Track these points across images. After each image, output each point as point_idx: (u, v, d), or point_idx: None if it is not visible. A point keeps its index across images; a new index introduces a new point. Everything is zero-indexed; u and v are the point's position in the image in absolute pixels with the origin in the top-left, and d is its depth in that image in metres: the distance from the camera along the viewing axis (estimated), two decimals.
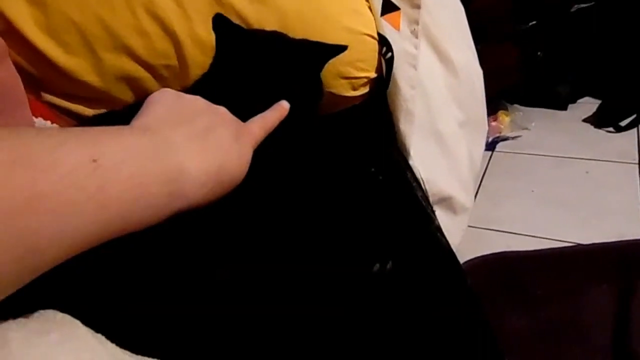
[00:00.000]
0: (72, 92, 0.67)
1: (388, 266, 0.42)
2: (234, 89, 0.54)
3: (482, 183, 1.31)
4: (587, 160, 1.34)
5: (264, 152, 0.44)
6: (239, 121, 0.43)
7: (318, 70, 0.59)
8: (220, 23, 0.57)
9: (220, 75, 0.59)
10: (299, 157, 0.49)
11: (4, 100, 0.52)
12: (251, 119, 0.45)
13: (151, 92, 0.68)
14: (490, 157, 1.44)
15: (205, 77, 0.60)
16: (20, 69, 0.61)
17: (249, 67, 0.56)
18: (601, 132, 1.47)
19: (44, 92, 0.67)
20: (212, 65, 0.60)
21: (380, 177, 0.56)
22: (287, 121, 0.47)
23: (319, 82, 0.59)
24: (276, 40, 0.60)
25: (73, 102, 0.68)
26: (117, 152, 0.29)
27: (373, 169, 0.57)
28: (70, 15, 0.62)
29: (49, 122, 0.63)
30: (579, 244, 1.01)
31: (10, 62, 0.56)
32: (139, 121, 0.37)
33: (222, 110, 0.42)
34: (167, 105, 0.40)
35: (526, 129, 1.54)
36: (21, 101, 0.55)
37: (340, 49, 0.59)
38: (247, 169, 0.40)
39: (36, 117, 0.61)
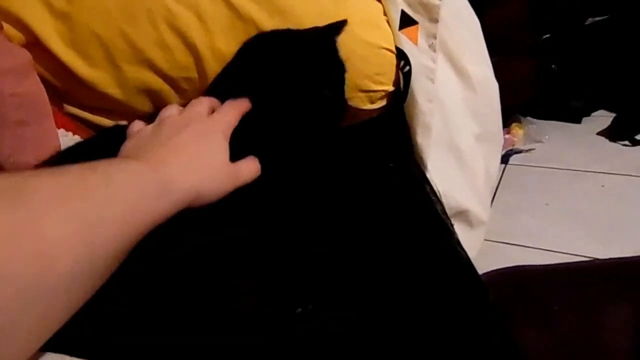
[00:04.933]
0: (94, 103, 0.68)
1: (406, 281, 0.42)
2: (253, 86, 0.55)
3: (496, 196, 1.30)
4: (602, 174, 1.33)
5: (285, 158, 0.44)
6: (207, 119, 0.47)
7: (334, 51, 0.59)
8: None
9: (239, 73, 0.60)
10: (319, 167, 0.49)
11: (30, 112, 0.53)
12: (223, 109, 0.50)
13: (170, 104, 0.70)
14: (504, 170, 1.43)
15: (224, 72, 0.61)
16: (44, 81, 0.62)
17: (263, 63, 0.57)
18: (616, 146, 1.46)
19: (66, 103, 0.68)
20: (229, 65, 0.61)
21: (398, 189, 0.56)
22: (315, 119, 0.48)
23: (339, 63, 0.60)
24: (282, 35, 0.61)
25: (94, 114, 0.69)
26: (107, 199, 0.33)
27: (390, 181, 0.57)
28: (94, 28, 0.64)
29: (70, 134, 0.64)
30: (595, 259, 1.00)
31: (36, 75, 0.58)
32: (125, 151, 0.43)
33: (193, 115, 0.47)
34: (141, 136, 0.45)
35: (540, 142, 1.53)
36: (46, 113, 0.56)
37: (341, 23, 0.61)
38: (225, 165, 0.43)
39: (58, 128, 0.62)
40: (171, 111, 0.50)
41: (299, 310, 0.35)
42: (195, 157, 0.42)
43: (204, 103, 0.51)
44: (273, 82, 0.53)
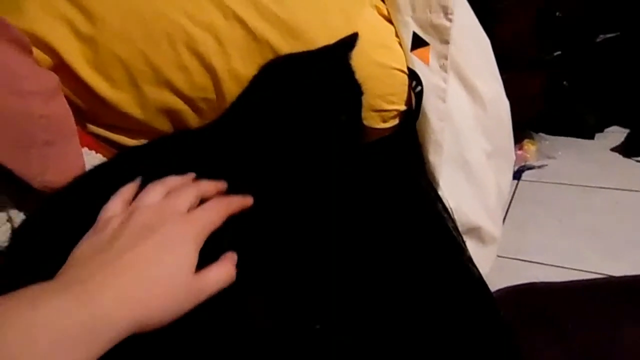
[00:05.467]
0: (115, 123, 0.70)
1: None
2: (270, 111, 0.56)
3: (508, 212, 1.30)
4: (616, 190, 1.32)
5: (303, 177, 0.45)
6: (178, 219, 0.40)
7: (350, 73, 0.61)
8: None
9: (256, 98, 0.61)
10: (335, 186, 0.51)
11: (58, 133, 0.55)
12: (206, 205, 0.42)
13: (189, 124, 0.72)
14: (516, 186, 1.43)
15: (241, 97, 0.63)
16: (68, 102, 0.65)
17: (279, 85, 0.58)
18: (630, 162, 1.45)
19: (89, 123, 0.71)
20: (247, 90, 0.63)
21: (411, 207, 0.57)
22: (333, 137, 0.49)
23: (356, 86, 0.61)
24: (298, 58, 0.63)
25: (115, 133, 0.71)
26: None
27: (402, 199, 0.58)
28: (117, 51, 0.66)
29: (93, 152, 0.66)
30: (610, 276, 0.99)
31: (63, 96, 0.60)
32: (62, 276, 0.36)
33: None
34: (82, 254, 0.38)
35: (552, 158, 1.53)
36: (72, 133, 0.58)
37: (353, 37, 0.61)
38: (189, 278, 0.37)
39: (82, 146, 0.64)
40: (151, 198, 0.43)
41: (318, 326, 0.36)
42: (148, 276, 0.36)
43: (189, 193, 0.43)
44: (290, 107, 0.54)
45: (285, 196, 0.45)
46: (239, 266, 0.38)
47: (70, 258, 0.38)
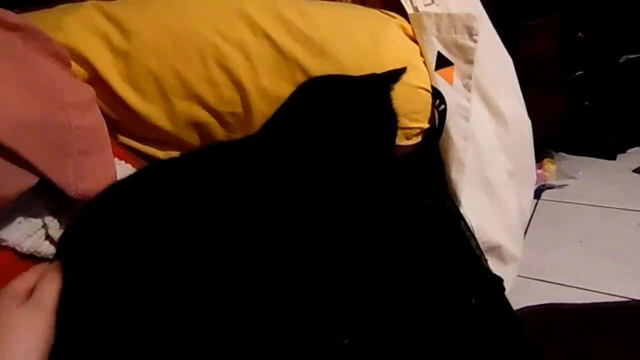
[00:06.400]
0: (145, 135, 0.73)
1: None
2: (303, 130, 0.57)
3: (528, 231, 1.29)
4: (637, 212, 1.31)
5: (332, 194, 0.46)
6: None
7: (387, 99, 0.62)
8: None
9: (292, 116, 0.62)
10: (361, 202, 0.51)
11: (92, 143, 0.57)
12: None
13: (216, 137, 0.73)
14: (536, 205, 1.42)
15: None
16: (102, 113, 0.67)
17: (318, 106, 0.59)
18: None
19: (120, 134, 0.73)
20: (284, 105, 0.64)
21: (434, 225, 0.58)
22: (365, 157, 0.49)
23: (392, 112, 0.62)
24: (339, 80, 0.64)
25: (145, 144, 0.73)
26: None
27: (425, 216, 0.58)
28: (150, 66, 0.69)
29: (123, 162, 0.68)
30: (632, 299, 0.98)
31: (98, 108, 0.62)
32: None
33: None
34: None
35: (573, 177, 1.51)
36: (106, 143, 0.60)
37: (399, 72, 0.62)
38: None
39: (114, 157, 0.66)
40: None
41: (346, 341, 0.36)
42: None
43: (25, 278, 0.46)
44: (327, 129, 0.55)
45: (315, 213, 0.46)
46: (268, 280, 0.39)
47: None
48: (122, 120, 0.71)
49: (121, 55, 0.69)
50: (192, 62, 0.69)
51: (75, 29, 0.66)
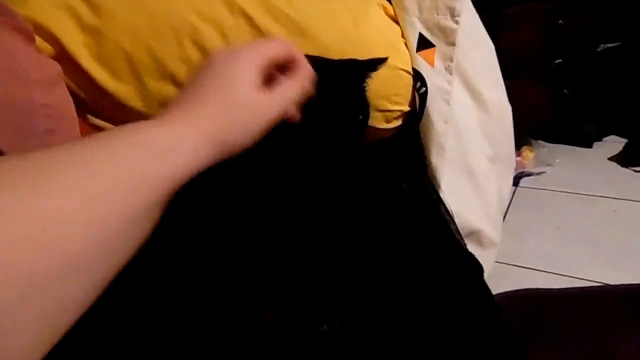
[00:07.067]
0: (117, 116, 0.70)
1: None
2: None
3: (506, 218, 1.30)
4: (613, 199, 1.33)
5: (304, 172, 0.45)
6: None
7: (362, 86, 0.60)
8: None
9: None
10: (339, 185, 0.50)
11: (58, 122, 0.54)
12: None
13: None
14: (514, 192, 1.43)
15: None
16: (70, 92, 0.64)
17: None
18: (627, 171, 1.46)
19: (90, 114, 0.70)
20: None
21: (413, 209, 0.57)
22: (334, 144, 0.48)
23: (365, 100, 0.60)
24: (317, 62, 0.62)
25: (117, 126, 0.71)
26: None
27: (405, 200, 0.57)
28: (122, 44, 0.66)
29: None
30: (606, 284, 0.99)
31: (65, 86, 0.60)
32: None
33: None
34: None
35: (550, 165, 1.53)
36: (73, 123, 0.58)
37: (379, 61, 0.60)
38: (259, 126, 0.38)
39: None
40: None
41: (325, 327, 0.35)
42: (208, 98, 0.37)
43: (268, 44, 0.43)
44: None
45: (289, 197, 0.45)
46: (249, 267, 0.38)
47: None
48: (92, 100, 0.68)
49: (91, 31, 0.66)
50: (166, 40, 0.67)
51: (41, 3, 0.63)
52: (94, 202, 0.27)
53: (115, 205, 0.28)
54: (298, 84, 0.42)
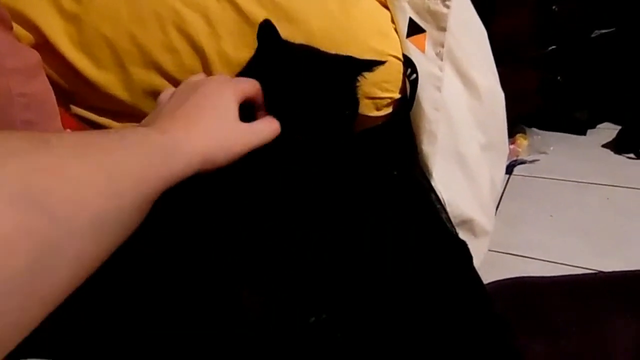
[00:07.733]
0: (100, 105, 0.68)
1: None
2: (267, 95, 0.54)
3: (499, 206, 1.30)
4: (607, 187, 1.32)
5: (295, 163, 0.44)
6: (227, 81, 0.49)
7: (354, 84, 0.59)
8: (266, 30, 0.57)
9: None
10: (328, 174, 0.49)
11: (38, 112, 0.53)
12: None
13: None
14: (508, 180, 1.43)
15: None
16: (51, 82, 0.63)
17: (283, 76, 0.56)
18: (621, 158, 1.45)
19: (72, 104, 0.68)
20: (246, 66, 0.60)
21: (404, 197, 0.56)
22: (322, 136, 0.47)
23: (355, 97, 0.60)
24: (312, 54, 0.60)
25: (100, 115, 0.69)
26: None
27: (395, 188, 0.56)
28: (103, 31, 0.64)
29: None
30: (599, 272, 0.99)
31: (45, 75, 0.58)
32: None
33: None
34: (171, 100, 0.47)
35: (544, 153, 1.52)
36: (54, 113, 0.56)
37: (376, 63, 0.59)
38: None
39: (65, 128, 0.62)
40: (197, 76, 0.52)
41: (312, 319, 0.35)
42: (201, 119, 0.43)
43: (225, 75, 0.53)
44: (280, 99, 0.53)
45: (275, 186, 0.43)
46: (234, 259, 0.37)
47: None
48: (74, 90, 0.67)
49: (71, 18, 0.64)
50: (149, 27, 0.65)
51: None
52: (112, 180, 0.31)
53: (127, 187, 0.32)
54: (275, 124, 0.49)
